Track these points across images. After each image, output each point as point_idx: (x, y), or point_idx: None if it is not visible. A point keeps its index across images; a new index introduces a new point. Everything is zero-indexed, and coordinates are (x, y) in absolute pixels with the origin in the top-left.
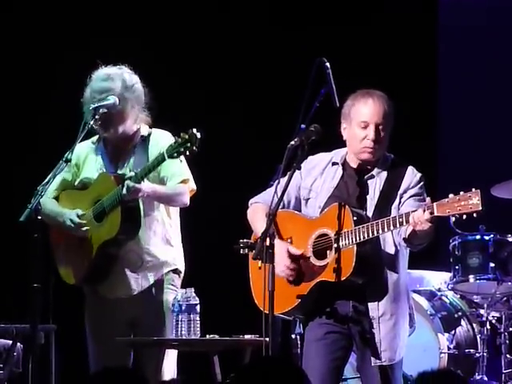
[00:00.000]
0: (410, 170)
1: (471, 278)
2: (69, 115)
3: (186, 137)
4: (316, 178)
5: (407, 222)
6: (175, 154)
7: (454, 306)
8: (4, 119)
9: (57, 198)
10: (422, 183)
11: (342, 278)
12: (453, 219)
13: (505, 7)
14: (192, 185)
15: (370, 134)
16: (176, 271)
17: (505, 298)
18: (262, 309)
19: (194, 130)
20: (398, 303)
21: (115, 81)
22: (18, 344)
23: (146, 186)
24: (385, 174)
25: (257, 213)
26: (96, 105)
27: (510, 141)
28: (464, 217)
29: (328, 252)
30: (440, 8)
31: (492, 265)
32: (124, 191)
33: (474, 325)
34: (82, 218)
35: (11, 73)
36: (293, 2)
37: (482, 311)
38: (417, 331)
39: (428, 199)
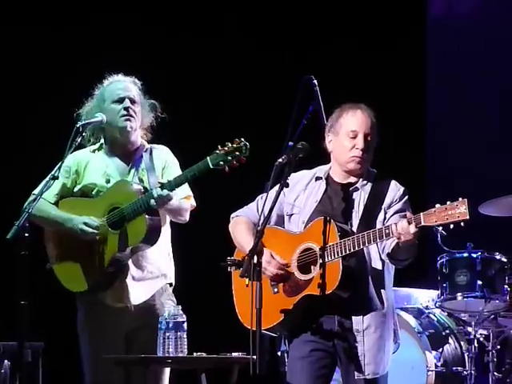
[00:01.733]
0: (393, 183)
1: (459, 295)
2: (59, 131)
3: (234, 145)
4: (299, 193)
5: (393, 233)
6: (221, 163)
7: (442, 324)
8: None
9: (55, 205)
10: (405, 197)
11: (328, 292)
12: (440, 235)
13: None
14: (193, 202)
15: (359, 143)
16: (171, 284)
17: (492, 316)
18: (246, 326)
19: (242, 139)
20: (383, 317)
21: (132, 84)
22: (6, 361)
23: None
24: (369, 187)
25: (239, 227)
26: (83, 122)
27: (498, 159)
28: (451, 226)
29: (313, 266)
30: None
31: (480, 282)
32: (155, 199)
33: (462, 343)
34: (95, 224)
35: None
36: (285, 22)
37: (469, 329)
38: (404, 349)
39: (408, 213)
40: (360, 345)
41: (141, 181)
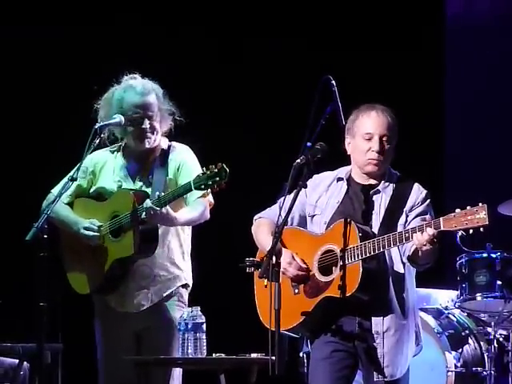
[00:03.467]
0: (416, 186)
1: (478, 296)
2: (80, 136)
3: (215, 170)
4: (321, 194)
5: (412, 237)
6: (202, 186)
7: (461, 324)
8: (15, 139)
9: (71, 204)
10: (428, 201)
11: (347, 294)
12: (459, 235)
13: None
14: (210, 198)
15: (374, 145)
16: (185, 286)
17: None
18: (268, 327)
19: (224, 165)
20: (404, 320)
21: (152, 94)
22: (25, 363)
23: (167, 213)
24: (390, 189)
25: (261, 228)
26: (101, 123)
27: None
28: (470, 231)
29: (334, 268)
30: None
31: (499, 283)
32: (144, 215)
33: (482, 343)
34: (98, 227)
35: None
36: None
37: (489, 329)
38: (424, 349)
39: (428, 217)
40: (379, 347)
41: (147, 185)
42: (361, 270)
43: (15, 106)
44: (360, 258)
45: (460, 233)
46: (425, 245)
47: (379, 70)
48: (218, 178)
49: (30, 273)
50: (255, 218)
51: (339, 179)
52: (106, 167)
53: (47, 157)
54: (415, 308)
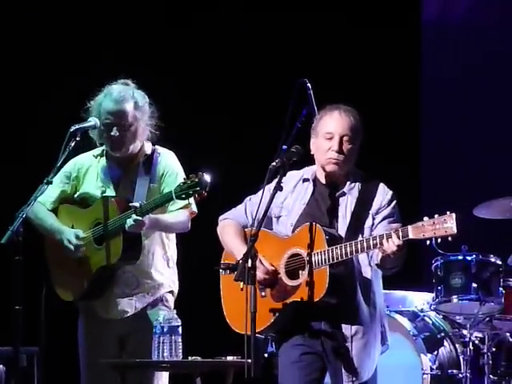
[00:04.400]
0: (382, 187)
1: (454, 298)
2: (55, 136)
3: (196, 180)
4: (287, 195)
5: (381, 244)
6: (183, 196)
7: (437, 327)
8: None
9: (55, 210)
10: (394, 202)
11: (316, 299)
12: (428, 242)
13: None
14: (193, 208)
15: (334, 145)
16: (171, 292)
17: (487, 319)
18: (235, 329)
19: (205, 174)
20: (371, 323)
21: (128, 101)
22: (1, 366)
23: (148, 219)
24: (356, 191)
25: (227, 229)
26: (76, 126)
27: (492, 162)
28: (439, 240)
29: (301, 272)
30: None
31: (475, 285)
32: (128, 225)
33: (457, 345)
34: (81, 239)
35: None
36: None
37: (464, 332)
38: (399, 352)
39: (396, 225)
40: (348, 351)
41: (131, 191)
42: (328, 275)
43: None
44: (327, 263)
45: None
46: (393, 252)
47: (356, 72)
48: (198, 188)
49: (5, 276)
50: (220, 218)
51: (305, 180)
52: (89, 172)
53: (22, 160)
54: (382, 310)
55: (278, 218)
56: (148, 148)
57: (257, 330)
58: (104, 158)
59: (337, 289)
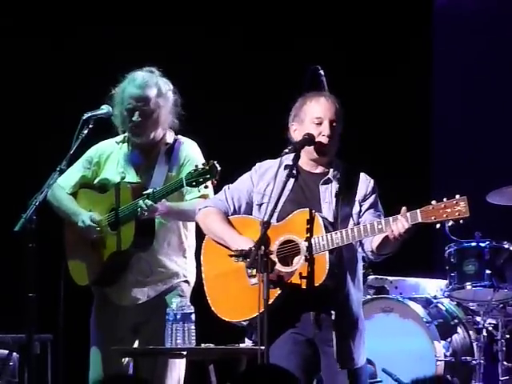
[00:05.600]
0: (363, 176)
1: (467, 285)
2: (68, 123)
3: (207, 168)
4: (269, 182)
5: (387, 228)
6: (194, 183)
7: (451, 314)
8: (6, 131)
9: (75, 194)
10: (376, 190)
11: (316, 284)
12: (448, 225)
13: None
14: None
15: (325, 130)
16: (187, 282)
17: (501, 305)
18: (219, 315)
19: (215, 163)
20: (359, 309)
21: (151, 88)
22: (14, 354)
23: (162, 205)
24: (339, 178)
25: (211, 217)
26: (89, 114)
27: (505, 148)
28: (450, 223)
29: (295, 259)
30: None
31: (488, 272)
32: (139, 210)
33: (471, 332)
34: (96, 222)
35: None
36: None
37: (478, 318)
38: (413, 339)
39: (403, 208)
40: (340, 337)
41: (148, 179)
42: (327, 260)
43: (8, 98)
44: (327, 248)
45: (450, 223)
46: (401, 234)
47: (367, 57)
48: (208, 176)
49: (19, 264)
50: (199, 206)
51: (286, 166)
52: (110, 158)
53: (34, 148)
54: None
55: (260, 205)
56: (170, 137)
57: (245, 318)
58: (126, 144)
59: (331, 274)
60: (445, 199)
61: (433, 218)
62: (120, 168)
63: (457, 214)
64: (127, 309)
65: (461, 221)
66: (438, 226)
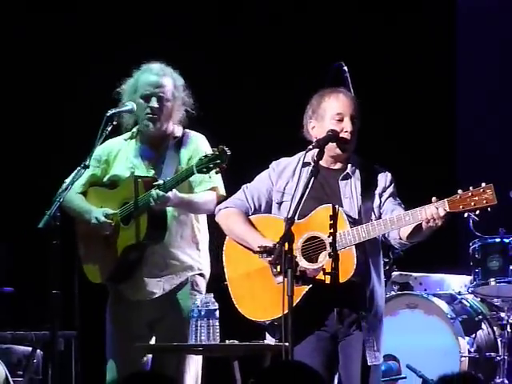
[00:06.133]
0: (379, 169)
1: (491, 281)
2: (91, 119)
3: (217, 153)
4: (288, 180)
5: (415, 219)
6: (204, 169)
7: (475, 310)
8: (26, 127)
9: (84, 193)
10: (394, 181)
11: (343, 280)
12: (471, 219)
13: None
14: (221, 192)
15: (347, 126)
16: (201, 275)
17: None
18: (244, 314)
19: (225, 148)
20: (383, 302)
21: (168, 77)
22: (38, 351)
23: (173, 195)
24: (358, 173)
25: (233, 218)
26: (113, 111)
27: None
28: (477, 212)
29: (322, 255)
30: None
31: None
32: (152, 200)
33: (495, 328)
34: (109, 217)
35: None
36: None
37: (502, 314)
38: (437, 335)
39: (434, 198)
40: (365, 332)
41: (161, 172)
42: (355, 255)
43: (25, 94)
44: (353, 242)
45: (473, 216)
46: (435, 223)
47: (389, 52)
48: (218, 161)
49: (43, 260)
50: (220, 207)
51: (305, 164)
52: (119, 155)
53: (59, 145)
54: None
55: (280, 203)
56: (179, 130)
57: (272, 317)
58: (134, 140)
59: (358, 269)
60: (471, 188)
61: (461, 207)
62: (129, 163)
63: (484, 201)
64: (142, 304)
65: (488, 209)
66: (465, 215)
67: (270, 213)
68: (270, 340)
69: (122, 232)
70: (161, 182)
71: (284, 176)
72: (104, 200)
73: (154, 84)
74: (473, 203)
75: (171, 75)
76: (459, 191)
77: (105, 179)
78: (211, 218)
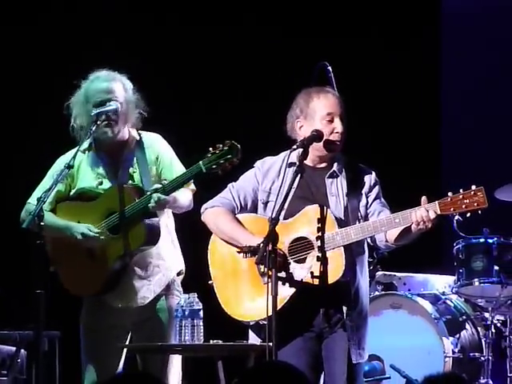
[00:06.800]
0: (364, 168)
1: (475, 281)
2: (59, 125)
3: (226, 148)
4: (274, 179)
5: (404, 222)
6: (214, 166)
7: (459, 310)
8: (3, 127)
9: (53, 211)
10: (378, 181)
11: (331, 281)
12: (455, 219)
13: None
14: (192, 186)
15: (338, 126)
16: (179, 273)
17: (509, 301)
18: (230, 314)
19: (234, 142)
20: (367, 301)
21: (117, 82)
22: (22, 350)
23: (171, 197)
24: (344, 171)
25: (221, 217)
26: (98, 110)
27: None
28: (468, 215)
29: (311, 255)
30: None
31: (496, 268)
32: (152, 204)
33: (479, 328)
34: (96, 230)
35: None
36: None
37: (486, 314)
38: (421, 335)
39: (424, 198)
40: (349, 330)
41: (131, 178)
42: (344, 256)
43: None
44: (343, 243)
45: (456, 217)
46: (425, 225)
47: (374, 54)
48: (229, 156)
49: (26, 260)
50: (206, 206)
51: (290, 164)
52: (81, 167)
53: (40, 147)
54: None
55: (266, 203)
56: (135, 134)
57: (261, 317)
58: (92, 150)
59: (346, 270)
60: (461, 190)
61: (452, 209)
62: (94, 174)
63: (475, 204)
64: (122, 313)
65: (479, 211)
66: (456, 217)
67: (256, 212)
68: (253, 339)
69: (112, 243)
70: (159, 185)
71: (269, 176)
72: (80, 214)
73: (105, 90)
74: (464, 206)
75: (120, 80)
76: (450, 193)
77: (71, 193)
78: (185, 217)
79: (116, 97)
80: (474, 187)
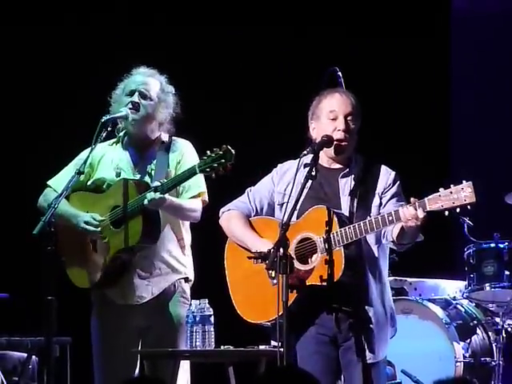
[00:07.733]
0: (384, 168)
1: (486, 286)
2: (84, 125)
3: (220, 152)
4: (289, 182)
5: (397, 219)
6: (208, 169)
7: (470, 315)
8: (17, 131)
9: (67, 198)
10: (398, 182)
11: (334, 281)
12: (466, 224)
13: None
14: (205, 197)
15: (340, 124)
16: (187, 280)
17: None
18: (244, 317)
19: (229, 147)
20: (381, 304)
21: (155, 79)
22: (33, 357)
23: (167, 198)
24: (358, 172)
25: (234, 221)
26: (108, 117)
27: None
28: (458, 210)
29: (312, 256)
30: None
31: (507, 273)
32: (147, 201)
33: (490, 333)
34: (99, 222)
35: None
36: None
37: (497, 319)
38: (432, 340)
39: (412, 199)
40: (362, 331)
41: (149, 175)
42: (343, 255)
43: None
44: (342, 243)
45: (467, 221)
46: (416, 223)
47: (385, 57)
48: (223, 160)
49: (37, 267)
50: (223, 210)
51: (306, 165)
52: (104, 159)
53: (54, 151)
54: (389, 291)
55: (281, 205)
56: (165, 137)
57: (269, 319)
58: (120, 144)
59: (349, 269)
60: (452, 185)
61: (440, 205)
62: (114, 166)
63: (464, 199)
64: (131, 310)
65: (468, 207)
66: (446, 213)
67: (273, 215)
68: (274, 343)
69: (113, 235)
70: (158, 183)
71: (285, 178)
72: (90, 205)
73: (139, 81)
74: (452, 201)
75: (159, 78)
76: (440, 189)
77: (89, 183)
78: (197, 223)
79: (147, 89)
80: (464, 182)
